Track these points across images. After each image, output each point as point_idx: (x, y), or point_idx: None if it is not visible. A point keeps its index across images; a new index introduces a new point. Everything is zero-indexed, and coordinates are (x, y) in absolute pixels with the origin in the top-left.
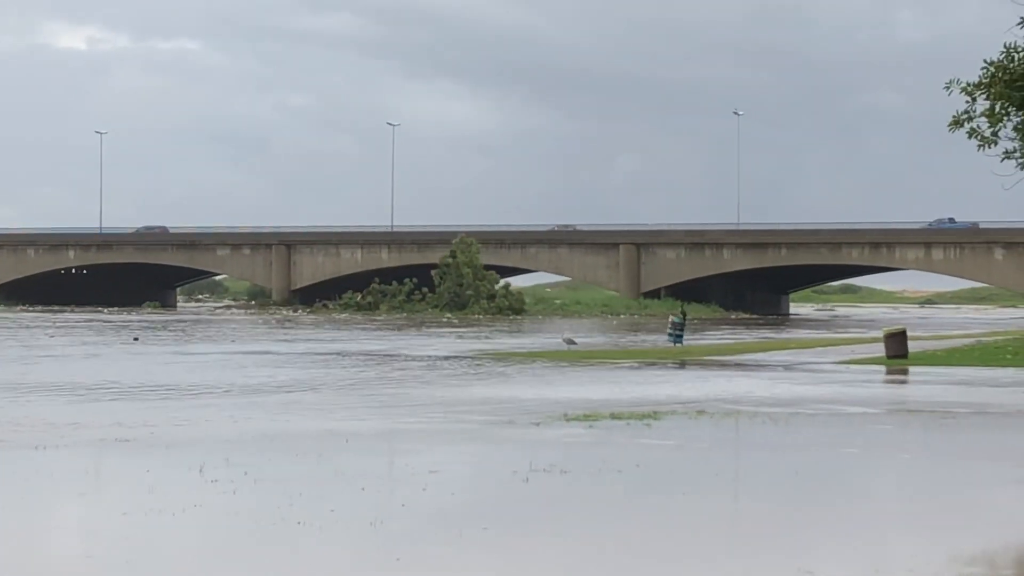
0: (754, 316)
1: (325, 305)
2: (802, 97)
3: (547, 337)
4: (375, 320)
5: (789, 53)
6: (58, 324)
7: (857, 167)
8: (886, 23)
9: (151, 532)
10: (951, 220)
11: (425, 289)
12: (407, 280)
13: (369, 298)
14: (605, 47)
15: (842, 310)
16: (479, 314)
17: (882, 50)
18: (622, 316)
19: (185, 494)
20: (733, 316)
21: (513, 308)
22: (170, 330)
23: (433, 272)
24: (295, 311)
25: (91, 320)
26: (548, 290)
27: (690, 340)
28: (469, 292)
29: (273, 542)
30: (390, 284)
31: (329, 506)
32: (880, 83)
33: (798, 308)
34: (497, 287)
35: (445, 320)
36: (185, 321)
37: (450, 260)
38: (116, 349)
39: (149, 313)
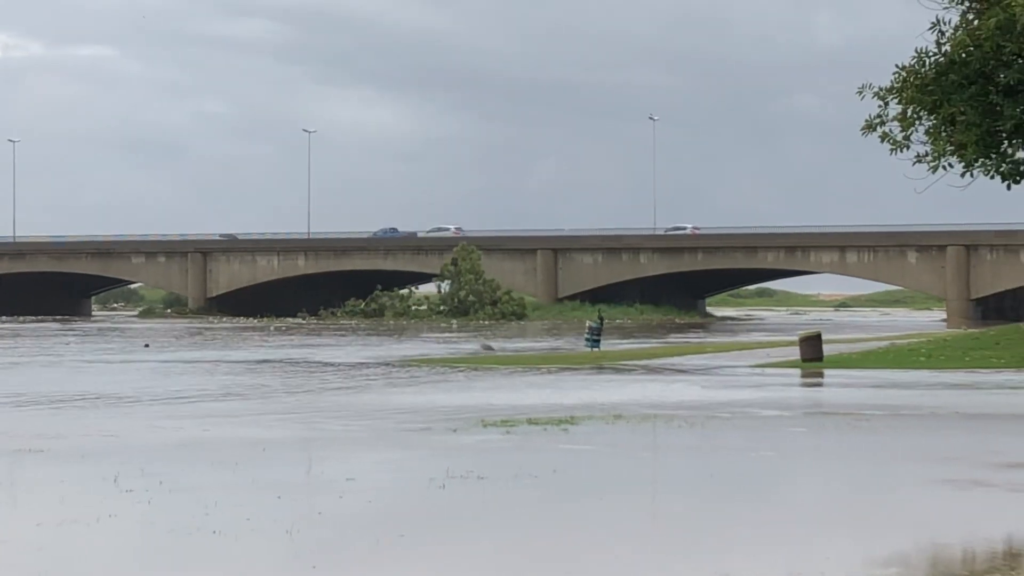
0: (671, 319)
1: (333, 312)
2: (721, 102)
3: (468, 343)
4: (337, 327)
5: (708, 58)
6: None
7: (775, 171)
8: (804, 27)
9: (65, 543)
10: (393, 230)
11: (425, 295)
12: (409, 287)
13: (373, 305)
14: (523, 52)
15: (772, 314)
16: (483, 320)
17: (801, 54)
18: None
19: (99, 504)
20: (654, 321)
21: (516, 313)
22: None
23: (435, 279)
24: (213, 319)
25: (12, 328)
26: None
27: (607, 345)
28: (471, 299)
29: (188, 552)
30: (386, 290)
31: (245, 515)
32: (798, 87)
33: (723, 311)
34: (499, 293)
35: (444, 326)
36: (112, 329)
37: (452, 268)
38: (35, 358)
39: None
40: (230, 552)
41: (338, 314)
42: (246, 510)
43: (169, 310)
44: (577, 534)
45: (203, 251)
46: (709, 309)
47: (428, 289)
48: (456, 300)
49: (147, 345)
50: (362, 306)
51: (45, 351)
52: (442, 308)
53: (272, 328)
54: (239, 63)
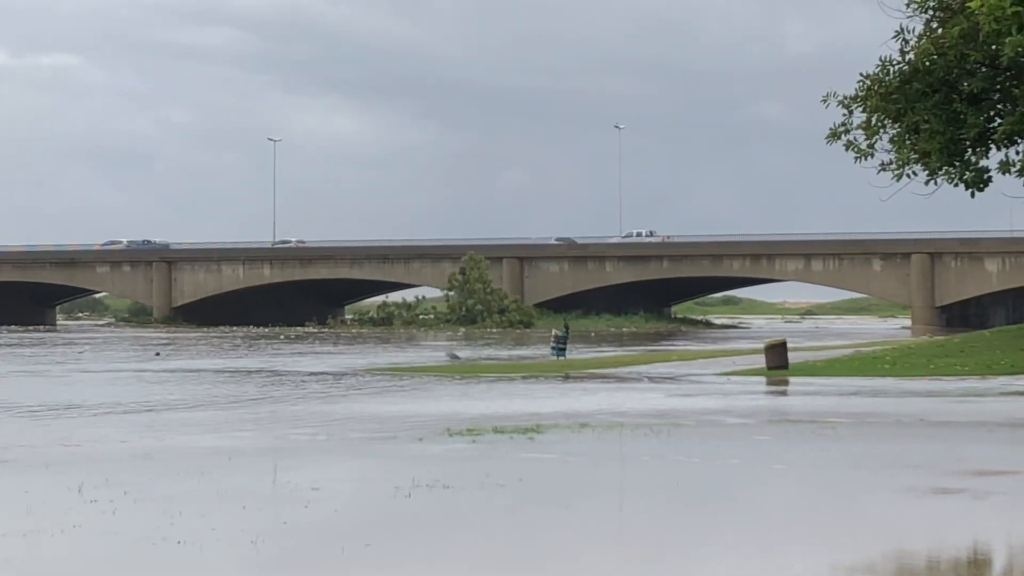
0: (642, 327)
1: (343, 321)
2: (688, 110)
3: (432, 352)
4: (334, 336)
5: (675, 66)
6: None
7: (742, 179)
8: (774, 35)
9: (29, 554)
10: (145, 242)
11: (434, 305)
12: (417, 297)
13: (382, 314)
14: (490, 60)
15: (764, 321)
16: (490, 327)
17: (769, 62)
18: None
19: (64, 515)
20: (623, 330)
21: (523, 322)
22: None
23: (443, 288)
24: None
25: None
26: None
27: (573, 353)
28: (479, 307)
29: (153, 562)
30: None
31: (210, 524)
32: (766, 95)
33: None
34: (507, 302)
35: (449, 334)
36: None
37: (460, 277)
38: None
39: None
40: (195, 562)
41: (348, 322)
42: (211, 520)
43: (134, 320)
44: (543, 543)
45: (168, 260)
46: (709, 317)
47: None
48: (464, 309)
49: (158, 354)
50: (371, 315)
51: (39, 360)
52: (450, 317)
53: (282, 336)
54: (205, 72)
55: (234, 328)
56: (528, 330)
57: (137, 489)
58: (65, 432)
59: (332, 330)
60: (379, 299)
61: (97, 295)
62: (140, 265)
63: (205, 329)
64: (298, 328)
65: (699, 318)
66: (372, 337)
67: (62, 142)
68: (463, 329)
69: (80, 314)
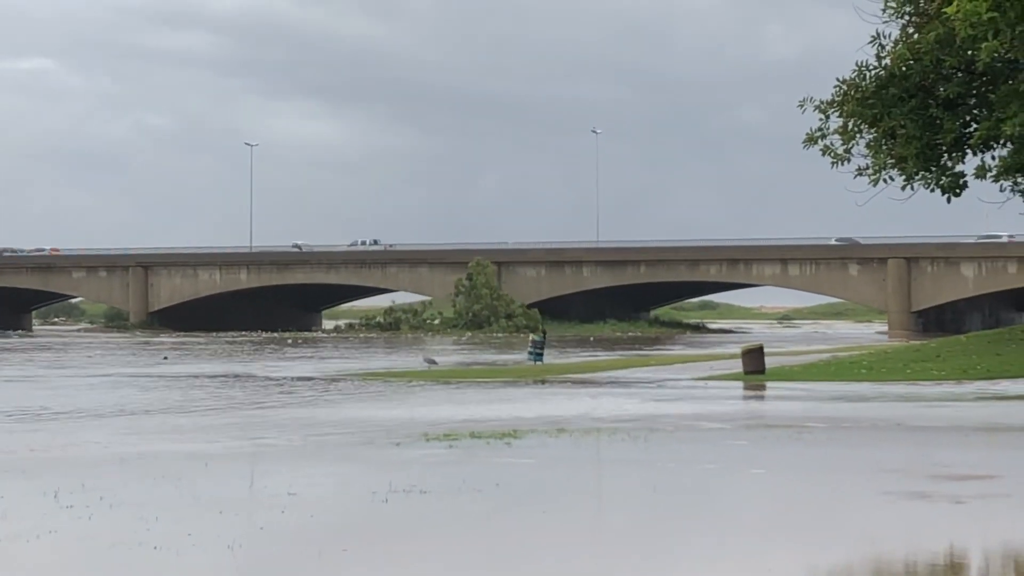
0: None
1: (351, 326)
2: (666, 115)
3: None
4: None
5: (654, 71)
6: None
7: (720, 184)
8: (753, 40)
9: (4, 559)
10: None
11: (441, 311)
12: (423, 302)
13: (389, 319)
14: (467, 65)
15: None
16: (497, 332)
17: (749, 67)
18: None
19: (39, 520)
20: (628, 334)
21: (530, 327)
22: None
23: (450, 293)
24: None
25: None
26: None
27: (550, 358)
28: (486, 312)
29: (129, 568)
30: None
31: (186, 530)
32: (746, 100)
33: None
34: (514, 307)
35: (455, 338)
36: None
37: (467, 283)
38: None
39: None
40: (171, 568)
41: (356, 327)
42: (187, 525)
43: (110, 325)
44: (520, 548)
45: (144, 265)
46: (706, 322)
47: (371, 303)
48: (471, 314)
49: (166, 358)
50: (378, 320)
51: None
52: (457, 322)
53: (289, 341)
54: (181, 76)
55: (213, 333)
56: (534, 335)
57: (113, 494)
58: (43, 437)
59: (341, 334)
60: (354, 304)
61: (73, 300)
62: (117, 270)
63: (181, 334)
64: (306, 332)
65: (695, 322)
66: (379, 342)
67: (37, 146)
68: (469, 333)
69: (56, 319)
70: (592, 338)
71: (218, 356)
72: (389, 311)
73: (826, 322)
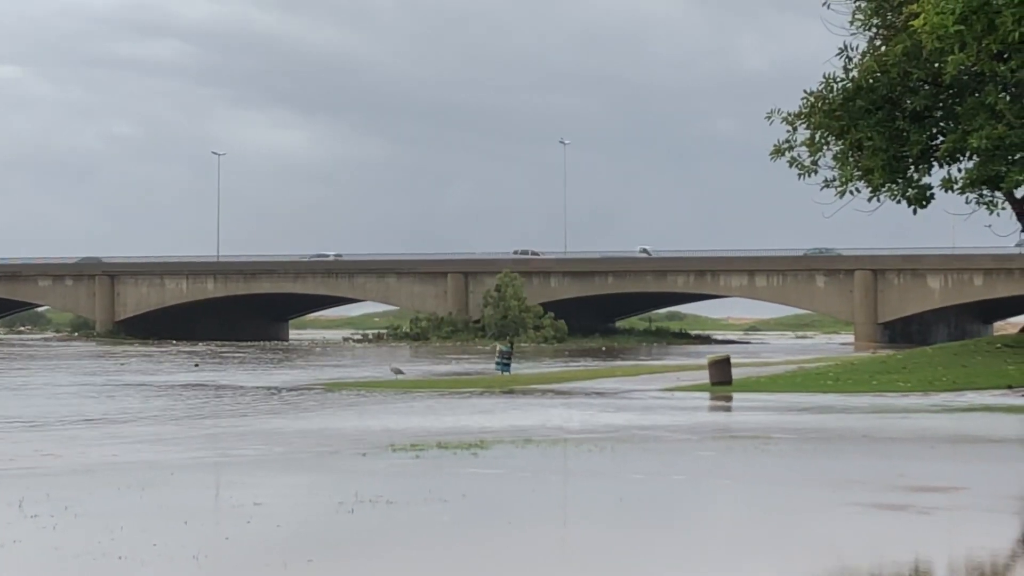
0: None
1: (380, 336)
2: (637, 126)
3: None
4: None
5: (625, 81)
6: None
7: (689, 195)
8: (725, 51)
9: None
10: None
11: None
12: (451, 312)
13: (416, 329)
14: (437, 75)
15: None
16: (524, 343)
17: (721, 78)
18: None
19: (3, 530)
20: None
21: (557, 337)
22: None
23: (479, 304)
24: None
25: None
26: (376, 319)
27: (518, 368)
28: (514, 323)
29: None
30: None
31: (152, 540)
32: (718, 111)
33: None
34: (542, 319)
35: (480, 347)
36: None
37: (495, 293)
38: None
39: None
40: None
41: (385, 337)
42: (153, 535)
43: (76, 334)
44: (486, 559)
45: (111, 274)
46: (709, 332)
47: (338, 313)
48: (498, 325)
49: (197, 365)
50: (404, 330)
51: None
52: (485, 333)
53: (318, 349)
54: (150, 85)
55: (175, 342)
56: (562, 344)
57: (78, 504)
58: (7, 446)
59: (373, 344)
60: (319, 314)
61: (40, 308)
62: (83, 279)
63: (145, 342)
64: (312, 337)
65: (698, 332)
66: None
67: (5, 153)
68: (497, 343)
69: (22, 328)
70: (567, 350)
71: (245, 364)
72: (416, 320)
73: (774, 333)
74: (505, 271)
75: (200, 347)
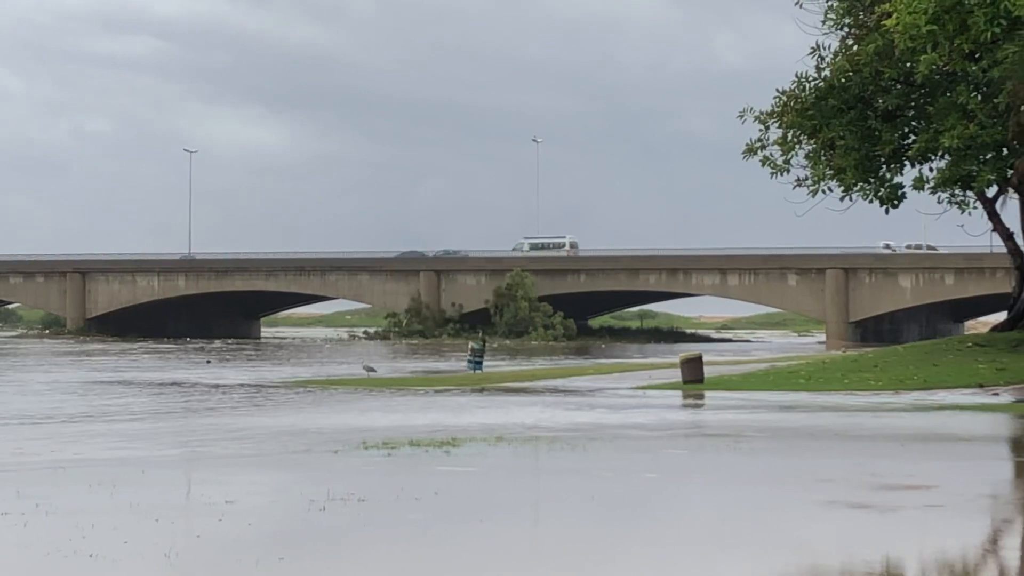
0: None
1: (393, 332)
2: (610, 123)
3: (349, 366)
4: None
5: (598, 79)
6: None
7: (662, 193)
8: (701, 48)
9: None
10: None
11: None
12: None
13: (392, 327)
14: (409, 72)
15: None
16: (535, 341)
17: (696, 76)
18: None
19: None
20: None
21: (567, 335)
22: None
23: (488, 303)
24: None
25: None
26: (348, 317)
27: (489, 366)
28: (524, 322)
29: None
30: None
31: (123, 538)
32: (691, 109)
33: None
34: (552, 318)
35: (496, 346)
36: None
37: (505, 292)
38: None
39: None
40: None
41: (392, 336)
42: (124, 533)
43: (48, 331)
44: (459, 557)
45: (82, 271)
46: (707, 332)
47: (310, 311)
48: (509, 324)
49: (209, 362)
50: (419, 327)
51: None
52: (496, 331)
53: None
54: (122, 81)
55: (147, 340)
56: (571, 343)
57: (48, 501)
58: None
59: (391, 343)
60: (291, 311)
61: (10, 306)
62: (54, 276)
63: (116, 340)
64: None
65: (693, 331)
66: (425, 348)
67: None
68: (508, 341)
69: None
70: (534, 345)
71: (252, 360)
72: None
73: (744, 332)
74: (516, 270)
75: (195, 343)
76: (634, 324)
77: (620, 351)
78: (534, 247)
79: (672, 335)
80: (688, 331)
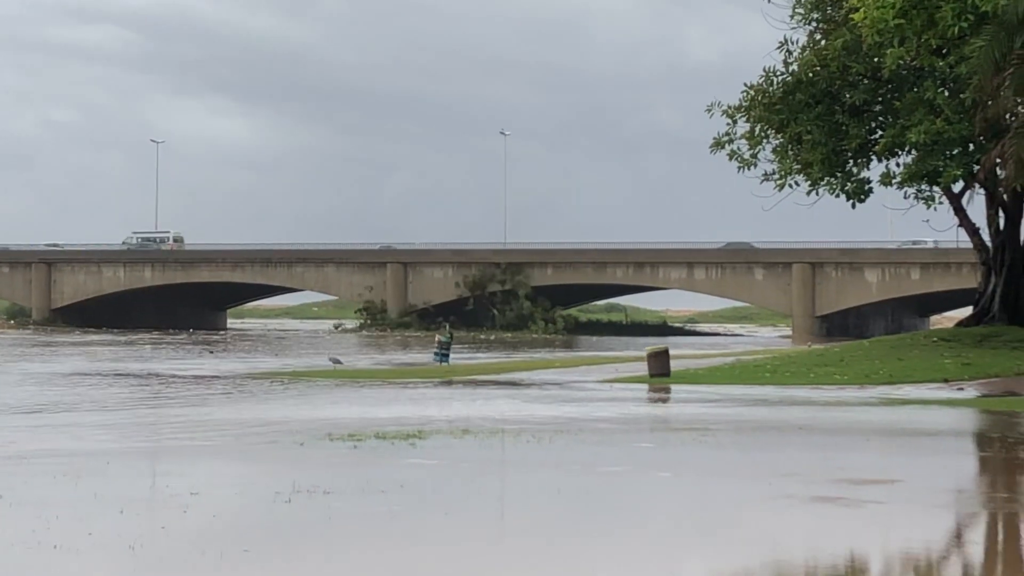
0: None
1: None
2: (579, 116)
3: (315, 358)
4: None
5: (567, 71)
6: None
7: (630, 187)
8: (670, 41)
9: None
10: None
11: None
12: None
13: (385, 320)
14: (378, 64)
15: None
16: (535, 334)
17: (666, 69)
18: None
19: None
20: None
21: (568, 328)
22: None
23: (488, 295)
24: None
25: None
26: (315, 309)
27: (456, 359)
28: (523, 315)
29: (28, 567)
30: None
31: (87, 529)
32: (660, 102)
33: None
34: (552, 312)
35: (494, 339)
36: None
37: (504, 288)
38: None
39: None
40: (71, 568)
41: (385, 328)
42: (88, 524)
43: (12, 321)
44: (424, 550)
45: (48, 261)
46: (695, 326)
47: (276, 303)
48: (508, 317)
49: (212, 352)
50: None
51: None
52: (495, 324)
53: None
54: (88, 70)
55: (113, 330)
56: (569, 335)
57: (11, 493)
58: None
59: (381, 335)
60: (257, 303)
61: None
62: (19, 266)
63: (82, 331)
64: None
65: (681, 325)
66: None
67: None
68: (508, 334)
69: None
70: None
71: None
72: (424, 311)
73: (712, 325)
74: (504, 264)
75: (189, 335)
76: (604, 317)
77: (607, 345)
78: (143, 241)
79: (656, 329)
80: (676, 325)
